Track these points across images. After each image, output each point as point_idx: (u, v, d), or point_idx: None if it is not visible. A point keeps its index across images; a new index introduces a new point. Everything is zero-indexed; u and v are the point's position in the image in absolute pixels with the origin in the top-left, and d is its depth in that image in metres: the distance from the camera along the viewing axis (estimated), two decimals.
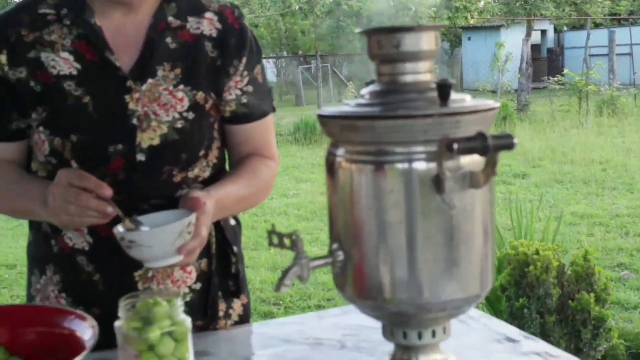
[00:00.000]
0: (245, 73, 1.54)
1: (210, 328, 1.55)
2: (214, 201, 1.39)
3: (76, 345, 1.12)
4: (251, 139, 1.59)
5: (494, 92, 17.47)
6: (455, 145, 0.93)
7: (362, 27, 1.10)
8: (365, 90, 1.10)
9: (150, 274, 1.48)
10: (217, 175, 1.55)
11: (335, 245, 1.09)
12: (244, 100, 1.55)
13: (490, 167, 0.97)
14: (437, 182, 0.99)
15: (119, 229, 1.31)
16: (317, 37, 19.28)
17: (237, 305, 1.63)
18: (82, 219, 1.32)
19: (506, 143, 0.95)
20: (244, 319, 1.64)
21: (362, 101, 1.08)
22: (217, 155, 1.56)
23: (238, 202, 1.52)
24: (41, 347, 1.20)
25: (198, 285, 1.55)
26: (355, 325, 1.49)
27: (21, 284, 5.96)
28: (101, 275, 1.49)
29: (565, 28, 26.32)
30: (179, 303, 1.15)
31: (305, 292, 5.24)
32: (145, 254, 1.28)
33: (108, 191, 1.30)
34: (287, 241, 1.07)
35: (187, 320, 1.15)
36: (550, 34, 26.66)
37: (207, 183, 1.52)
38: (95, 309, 1.46)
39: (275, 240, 1.08)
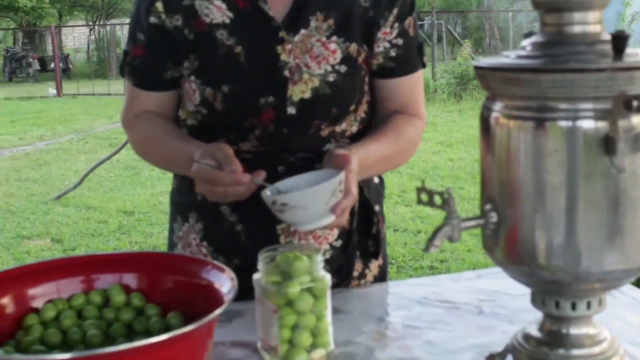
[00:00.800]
0: (396, 25, 1.48)
1: (342, 287, 1.51)
2: (357, 160, 1.34)
3: (214, 297, 1.10)
4: (398, 95, 1.53)
5: None
6: (636, 103, 0.84)
7: None
8: (526, 42, 1.02)
9: (292, 228, 1.45)
10: (364, 130, 1.51)
11: (488, 206, 1.03)
12: (393, 53, 1.49)
13: None
14: (608, 143, 0.91)
15: (268, 193, 1.27)
16: None
17: (374, 266, 1.59)
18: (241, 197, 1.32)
19: None
20: (379, 280, 1.60)
21: (523, 53, 1.00)
22: (365, 110, 1.51)
23: (381, 162, 1.46)
24: (178, 297, 1.18)
25: (339, 243, 1.51)
26: (491, 291, 1.43)
27: (139, 231, 6.16)
28: (244, 226, 1.48)
29: None
30: (319, 259, 1.11)
31: (417, 252, 5.19)
32: (299, 216, 1.23)
33: (245, 178, 1.25)
34: (437, 199, 1.01)
35: (327, 277, 1.12)
36: None
37: (354, 138, 1.48)
38: (236, 260, 1.45)
39: (425, 198, 1.03)
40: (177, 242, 1.57)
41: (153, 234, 6.06)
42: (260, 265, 1.11)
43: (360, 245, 1.54)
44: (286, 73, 1.40)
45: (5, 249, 5.80)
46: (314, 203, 1.23)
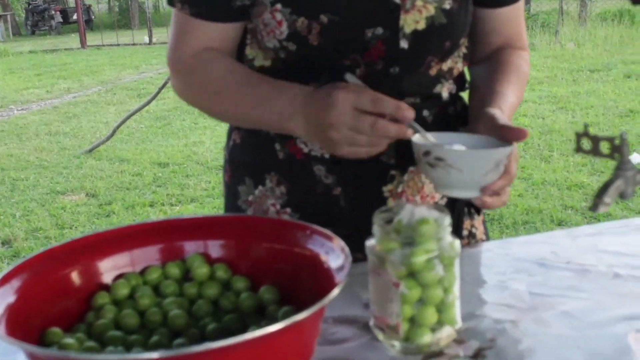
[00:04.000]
0: None
1: None
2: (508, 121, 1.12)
3: (321, 270, 0.92)
4: (505, 27, 1.33)
5: None
6: None
7: None
8: None
9: (400, 189, 1.26)
10: (463, 69, 1.31)
11: None
12: None
13: None
14: None
15: (419, 140, 1.06)
16: None
17: (478, 222, 1.40)
18: (374, 149, 1.05)
19: None
20: (486, 238, 1.42)
21: None
22: (466, 45, 1.31)
23: (512, 112, 1.23)
24: (270, 268, 1.01)
25: (444, 201, 1.32)
26: (617, 250, 1.24)
27: (175, 183, 6.03)
28: (343, 189, 1.26)
29: None
30: (447, 221, 0.93)
31: None
32: (450, 179, 1.03)
33: (410, 112, 1.02)
34: (605, 147, 0.82)
35: (456, 243, 0.94)
36: None
37: (458, 79, 1.28)
38: (331, 230, 1.24)
39: (587, 145, 0.83)
40: (245, 207, 1.34)
41: (190, 185, 5.91)
42: (376, 229, 0.93)
43: (466, 201, 1.34)
44: None
45: (40, 205, 5.68)
46: (472, 169, 1.02)
